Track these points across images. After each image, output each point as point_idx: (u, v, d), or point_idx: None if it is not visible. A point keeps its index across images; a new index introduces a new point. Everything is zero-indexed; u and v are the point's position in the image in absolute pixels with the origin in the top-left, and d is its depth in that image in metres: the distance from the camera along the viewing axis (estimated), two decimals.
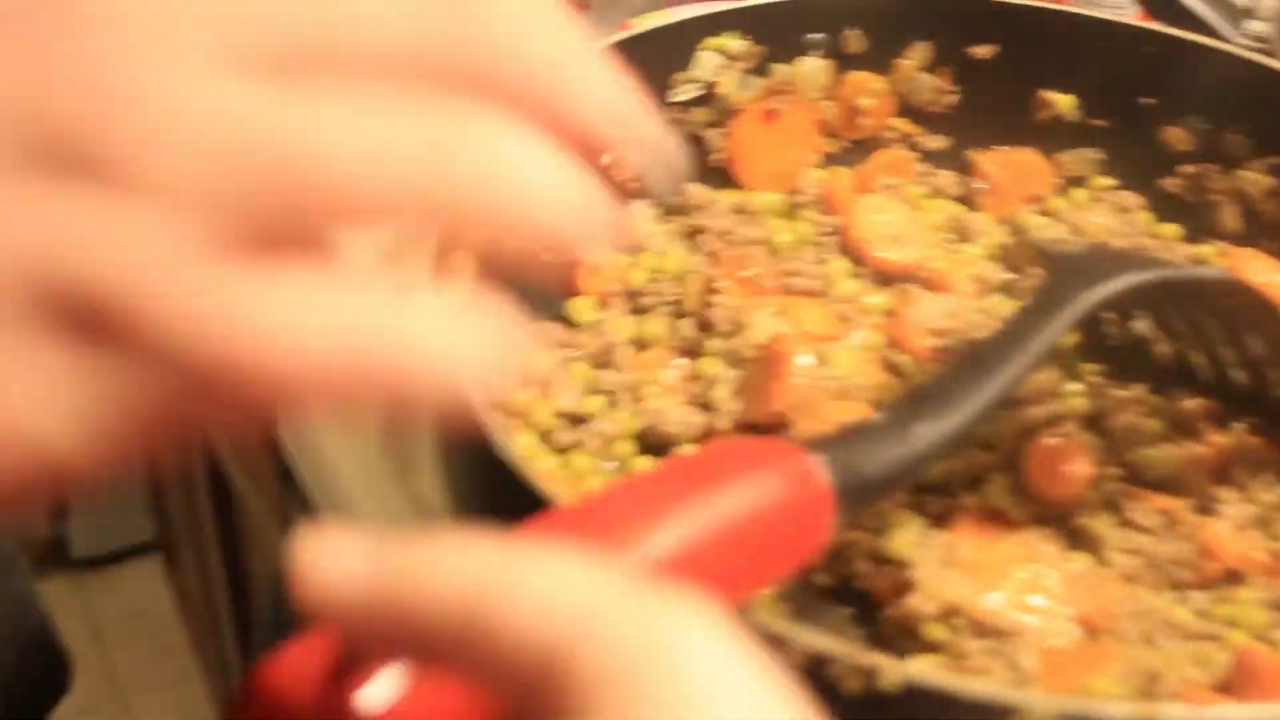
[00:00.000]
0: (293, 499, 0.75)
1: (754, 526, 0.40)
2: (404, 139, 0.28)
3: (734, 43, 0.73)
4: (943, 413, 0.50)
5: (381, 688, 0.29)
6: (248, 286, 0.27)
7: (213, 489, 1.40)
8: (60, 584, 1.96)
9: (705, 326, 0.68)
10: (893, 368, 0.67)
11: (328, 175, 0.28)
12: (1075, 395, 0.64)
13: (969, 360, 0.53)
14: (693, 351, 0.68)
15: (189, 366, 0.27)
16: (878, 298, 0.71)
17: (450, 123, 0.29)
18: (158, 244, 0.27)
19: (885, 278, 0.73)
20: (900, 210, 0.75)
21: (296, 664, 0.31)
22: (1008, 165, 0.77)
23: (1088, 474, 0.61)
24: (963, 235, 0.75)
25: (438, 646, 0.28)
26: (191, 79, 0.28)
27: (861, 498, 0.46)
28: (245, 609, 1.44)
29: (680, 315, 0.69)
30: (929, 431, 0.49)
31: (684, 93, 0.73)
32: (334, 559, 0.29)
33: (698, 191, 0.74)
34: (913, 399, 0.51)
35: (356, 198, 0.28)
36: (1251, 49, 0.89)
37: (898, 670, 0.45)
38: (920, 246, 0.73)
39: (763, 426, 0.64)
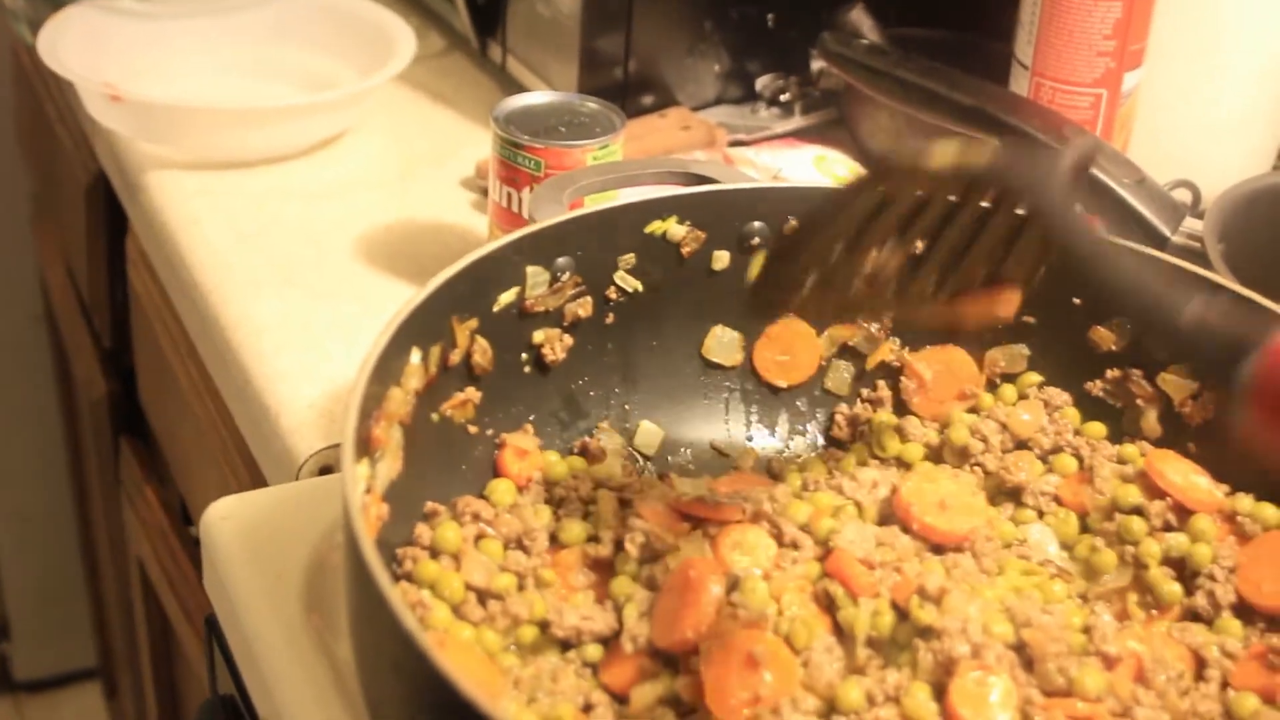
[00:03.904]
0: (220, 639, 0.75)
1: None
2: None
3: (675, 227, 0.75)
4: None
5: None
6: None
7: (150, 620, 1.39)
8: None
9: (622, 546, 0.68)
10: (826, 601, 0.66)
11: None
12: (999, 621, 0.64)
13: None
14: (607, 569, 0.68)
15: None
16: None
17: None
18: None
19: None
20: None
21: None
22: (937, 364, 0.78)
23: (1014, 703, 0.61)
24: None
25: None
26: None
27: None
28: None
29: (586, 515, 0.70)
30: None
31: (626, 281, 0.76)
32: None
33: None
34: None
35: None
36: (1187, 246, 0.92)
37: None
38: None
39: (671, 653, 0.64)
